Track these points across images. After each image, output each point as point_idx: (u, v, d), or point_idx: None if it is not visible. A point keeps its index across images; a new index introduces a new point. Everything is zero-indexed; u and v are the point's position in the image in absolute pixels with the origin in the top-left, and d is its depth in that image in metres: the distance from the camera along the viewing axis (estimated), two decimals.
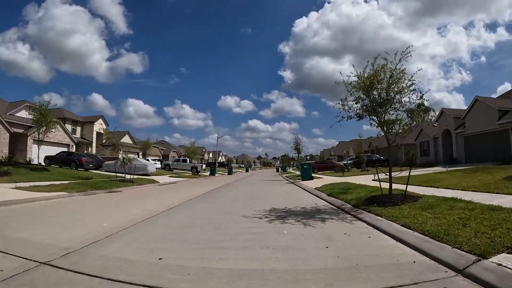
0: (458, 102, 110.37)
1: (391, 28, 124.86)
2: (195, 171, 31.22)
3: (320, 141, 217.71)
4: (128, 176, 14.14)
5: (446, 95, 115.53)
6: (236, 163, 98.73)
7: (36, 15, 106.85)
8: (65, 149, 28.68)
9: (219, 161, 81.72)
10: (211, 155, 76.02)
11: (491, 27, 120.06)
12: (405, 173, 6.37)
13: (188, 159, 33.46)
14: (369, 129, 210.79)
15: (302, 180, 16.11)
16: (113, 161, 25.04)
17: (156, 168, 34.95)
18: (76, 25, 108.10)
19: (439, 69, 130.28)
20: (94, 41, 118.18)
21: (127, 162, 14.71)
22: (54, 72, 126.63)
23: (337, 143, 71.13)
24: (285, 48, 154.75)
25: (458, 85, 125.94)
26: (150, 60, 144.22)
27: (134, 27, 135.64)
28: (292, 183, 16.45)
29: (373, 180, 13.01)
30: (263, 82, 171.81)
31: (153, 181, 16.42)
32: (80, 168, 22.09)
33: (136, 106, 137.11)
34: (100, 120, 38.89)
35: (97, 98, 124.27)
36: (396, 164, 31.77)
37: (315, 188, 10.86)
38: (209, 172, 32.80)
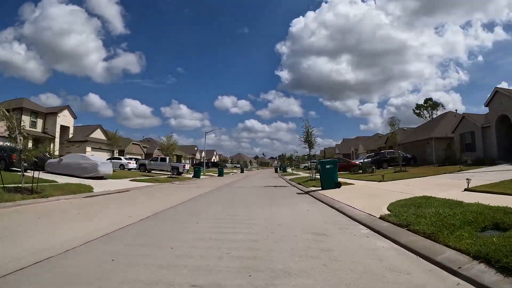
0: (455, 101, 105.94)
1: (389, 28, 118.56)
2: (176, 172, 25.13)
3: (318, 141, 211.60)
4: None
5: (444, 94, 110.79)
6: (231, 163, 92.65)
7: (33, 15, 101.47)
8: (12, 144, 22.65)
9: (212, 160, 75.63)
10: (203, 154, 70.00)
11: (489, 26, 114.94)
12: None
13: (167, 158, 27.33)
14: (365, 128, 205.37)
15: (323, 189, 9.92)
16: (57, 159, 19.10)
17: (131, 169, 28.66)
18: (72, 25, 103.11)
19: (436, 69, 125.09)
20: (90, 41, 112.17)
21: (24, 158, 8.79)
22: (51, 72, 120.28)
23: (340, 141, 65.96)
24: (282, 48, 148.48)
25: (455, 84, 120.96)
26: (147, 60, 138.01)
27: (131, 27, 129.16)
28: (306, 193, 10.22)
29: (466, 189, 7.08)
30: (260, 82, 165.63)
31: (85, 189, 10.26)
32: (12, 167, 16.09)
33: (133, 106, 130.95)
34: (65, 112, 32.59)
35: (94, 99, 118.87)
36: (425, 163, 25.87)
37: (380, 218, 4.62)
38: (193, 174, 26.73)
